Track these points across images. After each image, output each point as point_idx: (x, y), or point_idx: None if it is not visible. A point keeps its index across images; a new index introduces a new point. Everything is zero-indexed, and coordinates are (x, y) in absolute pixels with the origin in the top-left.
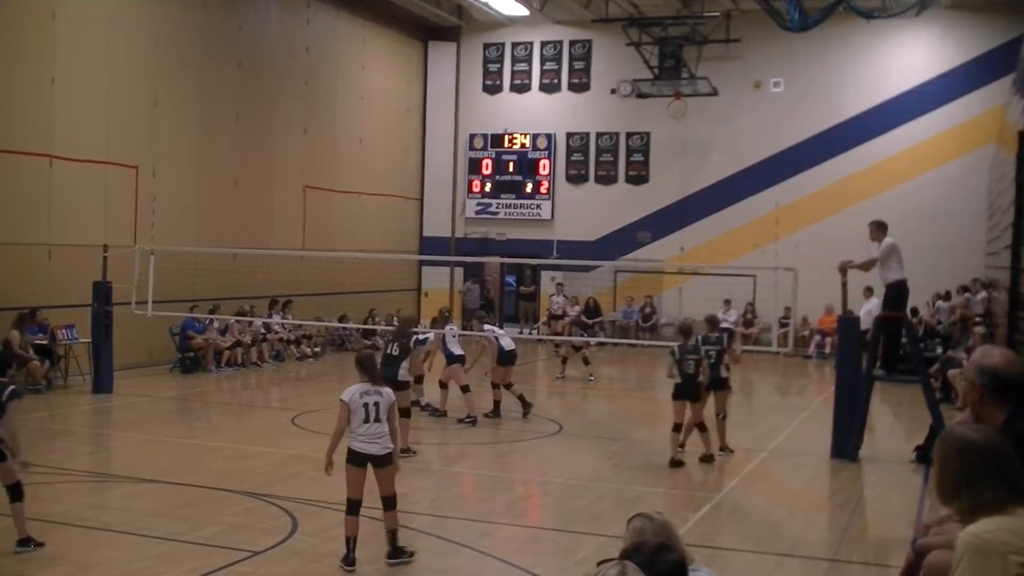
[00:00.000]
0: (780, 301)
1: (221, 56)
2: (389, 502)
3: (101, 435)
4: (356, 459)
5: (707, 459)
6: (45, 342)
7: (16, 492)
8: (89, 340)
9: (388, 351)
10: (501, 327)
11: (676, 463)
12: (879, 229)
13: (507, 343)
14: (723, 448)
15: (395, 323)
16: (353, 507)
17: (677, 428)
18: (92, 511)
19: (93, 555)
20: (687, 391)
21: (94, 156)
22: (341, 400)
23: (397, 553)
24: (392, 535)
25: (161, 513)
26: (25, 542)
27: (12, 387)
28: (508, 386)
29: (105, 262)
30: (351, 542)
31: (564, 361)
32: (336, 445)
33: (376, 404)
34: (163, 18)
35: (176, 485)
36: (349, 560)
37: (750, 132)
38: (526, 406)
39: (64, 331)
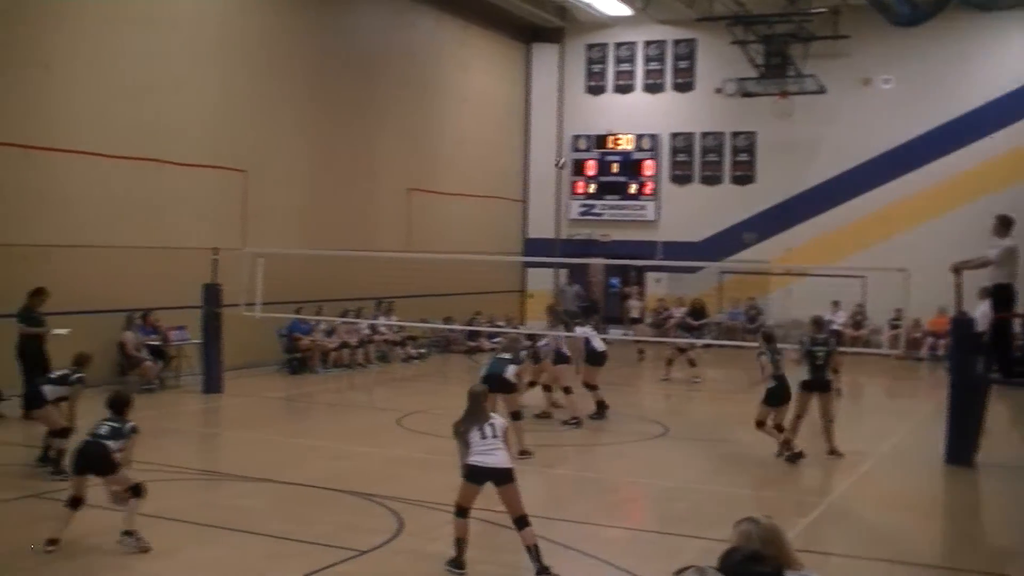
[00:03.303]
0: (890, 302)
1: (327, 60)
2: (522, 521)
3: (211, 434)
4: (475, 475)
5: (795, 457)
6: (157, 343)
7: (136, 490)
8: (199, 341)
9: (498, 354)
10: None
11: (794, 455)
12: (1002, 226)
13: (598, 344)
14: (832, 452)
15: (504, 328)
16: (463, 511)
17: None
18: (202, 508)
19: (202, 552)
20: (817, 384)
21: (204, 160)
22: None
23: (544, 570)
24: (533, 550)
25: (269, 511)
26: (129, 533)
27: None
28: (592, 388)
29: (215, 265)
30: (461, 544)
31: (669, 363)
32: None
33: (491, 425)
34: (271, 24)
35: (283, 484)
36: (458, 563)
37: (858, 130)
38: (601, 410)
39: (175, 332)
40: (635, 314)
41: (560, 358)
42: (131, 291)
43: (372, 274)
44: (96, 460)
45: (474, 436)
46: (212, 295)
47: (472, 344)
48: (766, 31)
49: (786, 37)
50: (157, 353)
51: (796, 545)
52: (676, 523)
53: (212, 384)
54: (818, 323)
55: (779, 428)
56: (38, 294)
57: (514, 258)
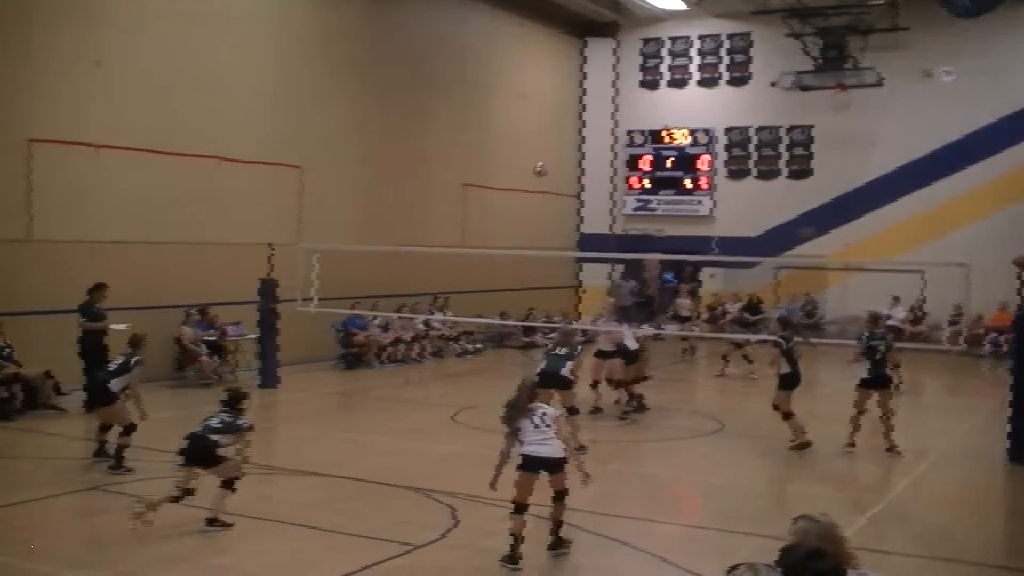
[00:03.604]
0: (951, 298)
1: (382, 56)
2: (561, 495)
3: (267, 428)
4: (529, 464)
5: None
6: (214, 338)
7: (231, 483)
8: (256, 336)
9: (552, 349)
10: (660, 326)
11: (802, 445)
12: None
13: (631, 343)
14: (891, 449)
15: (559, 324)
16: (520, 508)
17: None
18: (258, 502)
19: (258, 545)
20: (877, 380)
21: (260, 157)
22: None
23: (559, 544)
24: (557, 526)
25: (324, 505)
26: (213, 522)
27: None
28: (620, 384)
29: (271, 260)
30: (517, 540)
31: (725, 359)
32: (502, 467)
33: (543, 415)
34: (326, 20)
35: (339, 478)
36: (514, 559)
37: (918, 123)
38: (629, 411)
39: (232, 328)
40: (684, 313)
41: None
42: (188, 287)
43: (427, 269)
44: (202, 453)
45: (526, 426)
46: (268, 290)
47: (527, 339)
48: (823, 23)
49: (844, 29)
50: (214, 348)
51: (853, 543)
52: (731, 520)
53: (268, 379)
54: (874, 318)
55: (787, 416)
56: (98, 289)
57: (568, 253)
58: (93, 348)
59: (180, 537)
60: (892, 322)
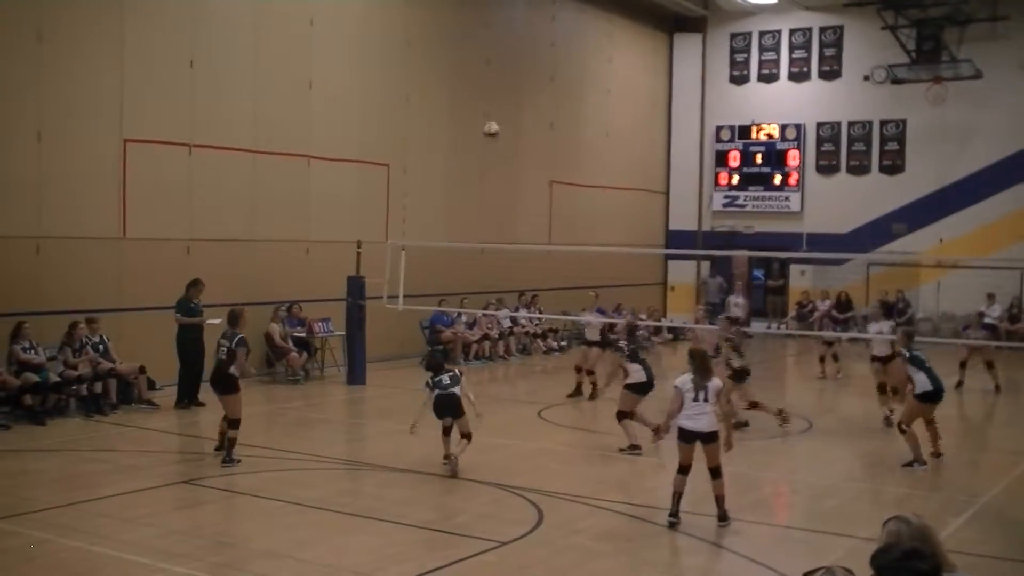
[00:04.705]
0: None
1: (469, 54)
2: (716, 472)
3: (355, 424)
4: (685, 436)
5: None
6: (303, 334)
7: (469, 436)
8: (344, 333)
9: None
10: (749, 323)
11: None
12: None
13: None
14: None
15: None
16: (684, 469)
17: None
18: (347, 497)
19: (347, 539)
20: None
21: (348, 155)
22: (675, 386)
23: (724, 517)
24: (719, 500)
25: (412, 501)
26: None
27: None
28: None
29: (358, 257)
30: (677, 497)
31: (822, 359)
32: (668, 424)
33: (705, 388)
34: (414, 19)
35: (426, 475)
36: (674, 512)
37: (1017, 116)
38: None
39: (320, 324)
40: (738, 313)
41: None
42: (278, 284)
43: (513, 267)
44: (452, 406)
45: (688, 397)
46: (356, 287)
47: (614, 337)
48: (919, 15)
49: (941, 21)
50: (302, 344)
51: (949, 546)
52: (823, 521)
53: (356, 375)
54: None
55: (751, 405)
56: (195, 285)
57: (656, 250)
58: (190, 343)
59: (271, 532)
60: (988, 320)
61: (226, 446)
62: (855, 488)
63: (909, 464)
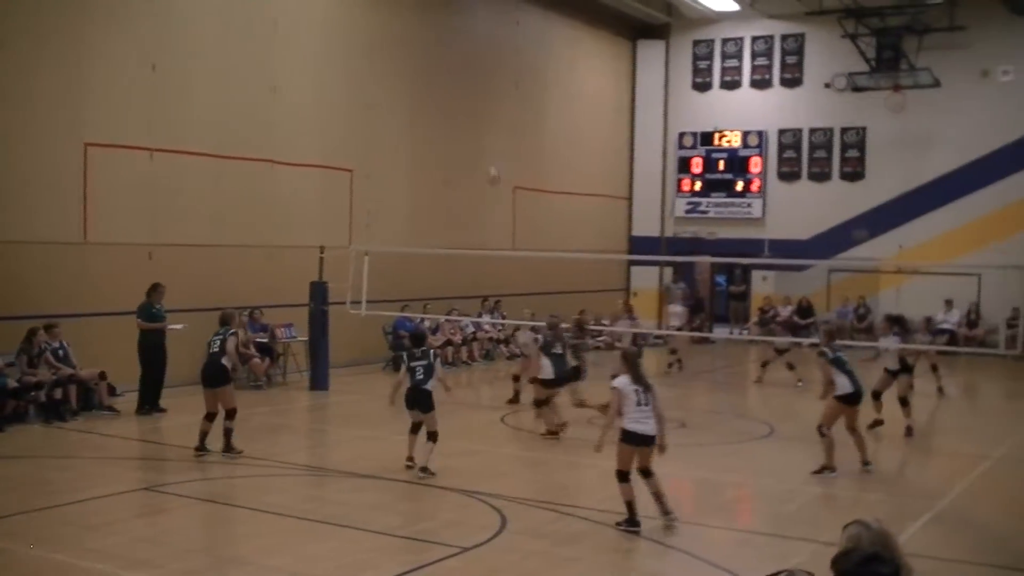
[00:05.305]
0: (1008, 301)
1: (432, 60)
2: (649, 471)
3: (319, 430)
4: (633, 439)
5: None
6: (265, 340)
7: (433, 436)
8: (307, 338)
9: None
10: (711, 327)
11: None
12: None
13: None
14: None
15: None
16: (626, 476)
17: None
18: (311, 503)
19: (310, 546)
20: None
21: (312, 160)
22: (613, 387)
23: (669, 511)
24: (660, 497)
25: (376, 507)
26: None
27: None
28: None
29: (321, 263)
30: (633, 504)
31: (764, 365)
32: (610, 428)
33: (649, 392)
34: (378, 24)
35: (390, 480)
36: (633, 522)
37: (975, 124)
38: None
39: (283, 329)
40: (676, 322)
41: None
42: (241, 289)
43: (477, 272)
44: (422, 401)
45: (631, 399)
46: (319, 292)
47: (576, 342)
48: (879, 24)
49: (900, 30)
50: (265, 350)
51: (907, 550)
52: (785, 525)
53: (319, 381)
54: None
55: (580, 404)
56: (155, 289)
57: (619, 256)
58: (152, 349)
59: (236, 539)
60: (945, 326)
61: (224, 438)
62: (814, 492)
63: (819, 471)
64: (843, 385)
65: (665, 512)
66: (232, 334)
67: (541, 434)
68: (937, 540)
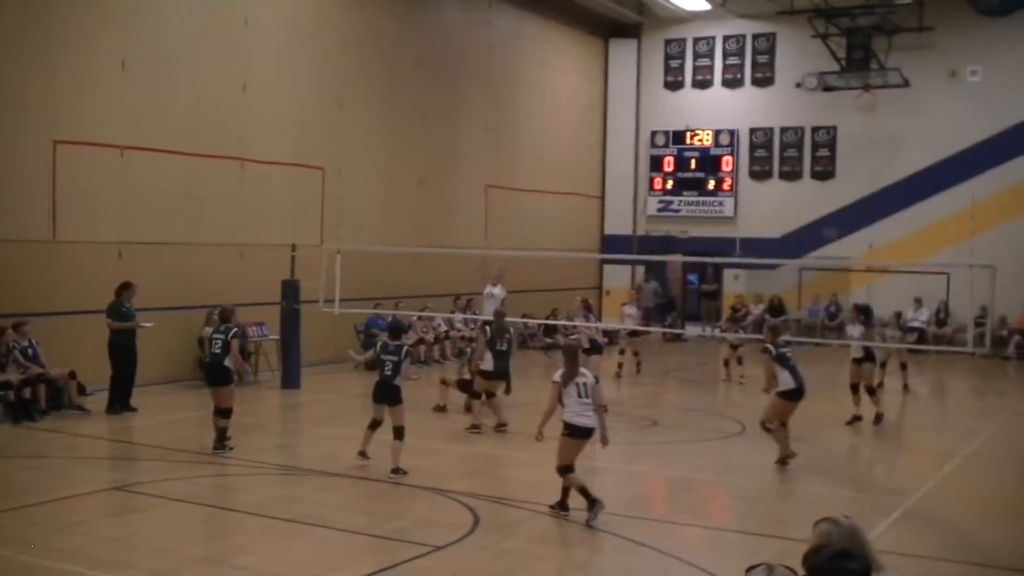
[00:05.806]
0: (976, 300)
1: (404, 58)
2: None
3: (291, 429)
4: (578, 432)
5: None
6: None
7: (399, 432)
8: (278, 337)
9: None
10: (683, 325)
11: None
12: None
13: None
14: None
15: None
16: (571, 468)
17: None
18: (283, 503)
19: (282, 546)
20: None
21: (283, 158)
22: (553, 381)
23: (595, 502)
24: (585, 491)
25: (348, 507)
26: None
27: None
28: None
29: (293, 261)
30: (586, 491)
31: (726, 363)
32: (547, 420)
33: (586, 384)
34: (349, 21)
35: (362, 479)
36: (564, 506)
37: (944, 124)
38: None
39: (255, 328)
40: (631, 324)
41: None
42: (211, 287)
43: (449, 270)
44: (390, 395)
45: (571, 392)
46: (291, 291)
47: (549, 341)
48: (849, 24)
49: (869, 30)
50: None
51: (877, 546)
52: (756, 523)
53: (291, 380)
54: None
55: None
56: (126, 288)
57: (591, 255)
58: (122, 348)
59: (206, 539)
60: (915, 324)
61: (216, 435)
62: (785, 489)
63: (782, 462)
64: (785, 381)
65: (590, 504)
66: (234, 334)
67: (466, 428)
68: (907, 536)
